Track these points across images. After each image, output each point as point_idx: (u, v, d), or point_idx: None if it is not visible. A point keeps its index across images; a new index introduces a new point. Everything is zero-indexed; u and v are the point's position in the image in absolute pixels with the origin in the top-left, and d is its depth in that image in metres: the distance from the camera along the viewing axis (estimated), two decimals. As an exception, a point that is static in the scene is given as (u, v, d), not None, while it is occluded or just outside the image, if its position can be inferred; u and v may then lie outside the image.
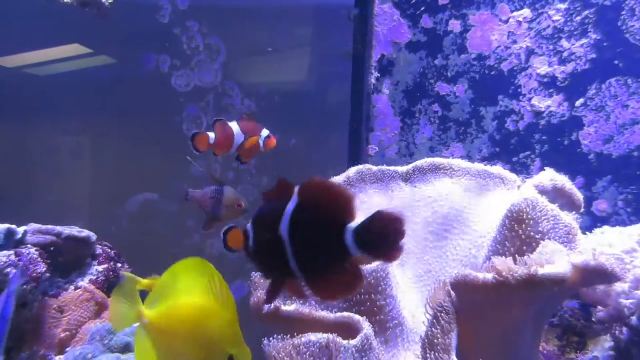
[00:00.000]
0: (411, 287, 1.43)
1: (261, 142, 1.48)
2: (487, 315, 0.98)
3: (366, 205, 1.55)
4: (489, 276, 0.89)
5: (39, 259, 1.44)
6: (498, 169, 1.53)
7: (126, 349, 1.31)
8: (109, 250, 1.72)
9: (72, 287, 1.56)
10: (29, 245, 1.48)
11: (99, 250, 1.69)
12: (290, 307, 1.10)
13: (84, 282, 1.58)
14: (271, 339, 1.00)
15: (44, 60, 2.42)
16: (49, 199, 2.39)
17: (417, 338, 1.29)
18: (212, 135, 1.49)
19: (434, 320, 0.97)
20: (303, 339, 1.03)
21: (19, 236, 1.46)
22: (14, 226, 1.46)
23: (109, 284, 1.62)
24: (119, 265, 1.71)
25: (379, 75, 1.74)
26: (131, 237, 2.34)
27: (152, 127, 2.37)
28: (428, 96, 1.74)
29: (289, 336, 1.02)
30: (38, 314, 1.45)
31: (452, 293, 0.99)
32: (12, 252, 1.40)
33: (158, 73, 2.45)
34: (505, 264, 0.93)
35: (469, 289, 0.93)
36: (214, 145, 1.49)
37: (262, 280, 1.17)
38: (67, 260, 1.59)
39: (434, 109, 1.74)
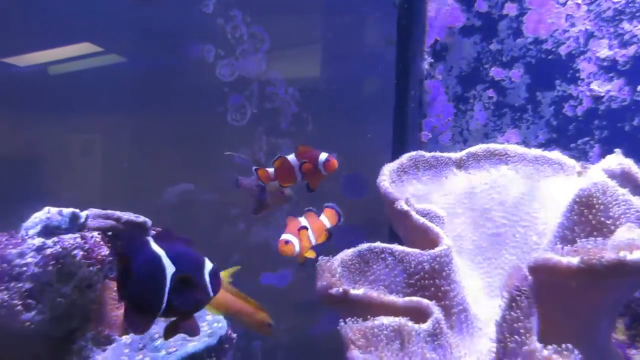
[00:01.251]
0: (469, 274, 1.41)
1: (321, 167, 1.42)
2: (567, 300, 0.96)
3: (420, 192, 1.54)
4: (574, 260, 0.87)
5: (102, 242, 1.47)
6: (556, 154, 1.49)
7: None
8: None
9: (131, 271, 1.59)
10: (90, 229, 1.51)
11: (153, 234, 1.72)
12: (358, 290, 1.10)
13: (142, 266, 1.60)
14: (347, 321, 1.00)
15: (86, 52, 2.46)
16: (86, 191, 2.43)
17: (480, 324, 1.28)
18: (271, 170, 1.45)
19: (512, 304, 0.95)
20: (376, 322, 1.02)
21: (82, 220, 1.49)
22: (77, 210, 1.49)
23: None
24: (173, 250, 1.74)
25: (432, 60, 1.72)
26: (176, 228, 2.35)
27: (196, 117, 2.39)
28: (482, 81, 1.71)
29: (361, 319, 1.02)
30: (101, 296, 1.48)
31: (530, 277, 0.97)
32: (78, 234, 1.43)
33: (202, 63, 2.47)
34: (589, 249, 0.91)
35: (551, 273, 0.91)
36: (276, 179, 1.48)
37: (328, 264, 1.17)
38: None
39: (489, 95, 1.71)
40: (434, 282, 1.22)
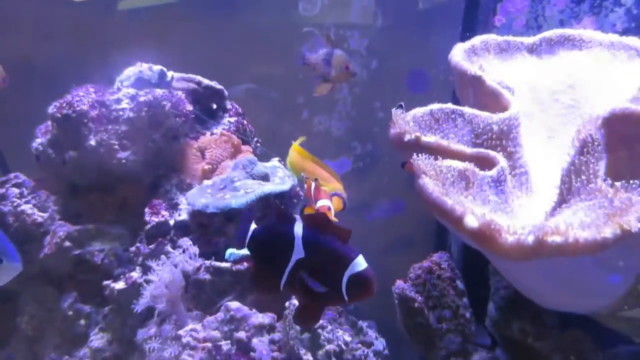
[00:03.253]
0: (533, 146, 1.46)
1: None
2: (637, 148, 1.01)
3: (490, 75, 1.57)
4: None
5: (186, 100, 1.59)
6: (634, 40, 1.48)
7: (264, 177, 1.46)
8: (237, 107, 1.86)
9: (209, 133, 1.72)
10: (175, 89, 1.64)
11: (229, 105, 1.84)
12: (430, 137, 1.18)
13: (218, 130, 1.74)
14: (419, 155, 1.09)
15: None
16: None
17: (538, 189, 1.34)
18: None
19: (583, 149, 1.01)
20: (445, 162, 1.10)
21: (168, 79, 1.61)
22: (165, 68, 1.61)
23: (238, 136, 1.76)
24: (245, 122, 1.86)
25: (512, -57, 1.68)
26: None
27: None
28: (563, -33, 1.67)
29: (432, 157, 1.10)
30: (184, 149, 1.62)
31: (602, 129, 1.02)
32: (166, 90, 1.55)
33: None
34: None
35: (626, 121, 0.96)
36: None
37: (402, 115, 1.25)
38: (203, 109, 1.75)
39: (569, -19, 1.67)
40: (500, 142, 1.28)
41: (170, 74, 1.63)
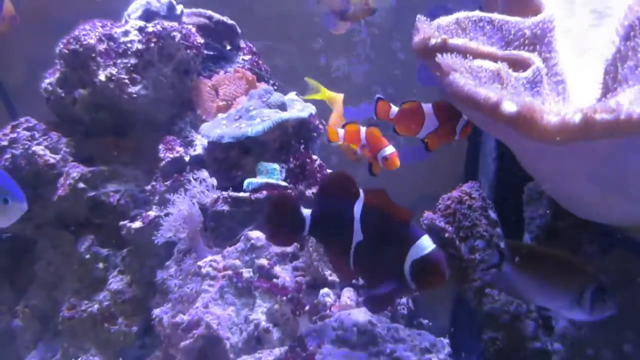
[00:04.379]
0: (570, 61, 1.36)
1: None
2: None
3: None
4: None
5: (196, 33, 1.52)
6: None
7: (281, 107, 1.39)
8: (251, 45, 1.78)
9: (222, 72, 1.65)
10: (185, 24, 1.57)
11: (242, 44, 1.76)
12: (458, 40, 1.09)
13: (232, 69, 1.66)
14: (446, 55, 1.00)
15: None
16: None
17: (575, 99, 1.25)
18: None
19: (629, 34, 0.91)
20: (476, 63, 1.02)
21: (178, 12, 1.54)
22: (174, 1, 1.53)
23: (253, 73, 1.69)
24: (261, 61, 1.78)
25: None
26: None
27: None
28: None
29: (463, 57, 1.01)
30: (197, 86, 1.56)
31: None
32: (175, 22, 1.48)
33: None
34: None
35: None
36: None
37: (426, 23, 1.16)
38: (215, 46, 1.68)
39: None
40: (534, 48, 1.18)
41: (180, 7, 1.55)
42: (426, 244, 0.80)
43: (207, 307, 1.10)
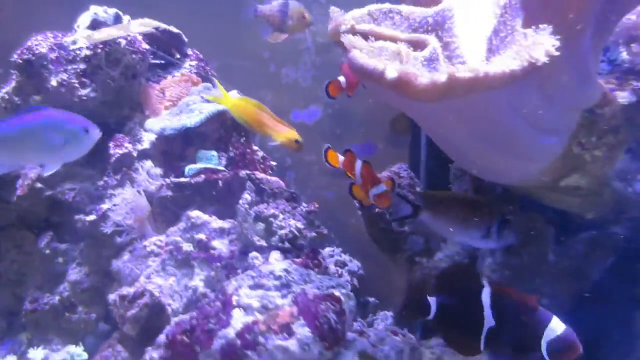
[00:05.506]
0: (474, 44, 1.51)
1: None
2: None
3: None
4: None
5: (142, 40, 1.65)
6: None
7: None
8: (198, 52, 1.92)
9: (170, 77, 1.78)
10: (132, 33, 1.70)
11: (189, 51, 1.89)
12: (365, 26, 1.22)
13: (179, 73, 1.79)
14: (349, 35, 1.13)
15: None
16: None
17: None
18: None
19: (504, 12, 1.06)
20: (378, 43, 1.15)
21: (124, 21, 1.67)
22: (120, 12, 1.67)
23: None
24: (208, 67, 1.92)
25: None
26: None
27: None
28: None
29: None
30: (145, 90, 1.68)
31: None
32: (122, 32, 1.61)
33: None
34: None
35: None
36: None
37: (339, 13, 1.30)
38: (163, 55, 1.81)
39: None
40: (437, 33, 1.33)
41: (126, 17, 1.69)
42: (558, 324, 0.90)
43: (149, 278, 1.20)
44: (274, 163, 1.75)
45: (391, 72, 0.99)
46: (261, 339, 0.85)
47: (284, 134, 1.40)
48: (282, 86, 2.39)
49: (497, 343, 0.93)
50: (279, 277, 0.96)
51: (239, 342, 0.85)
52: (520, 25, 1.05)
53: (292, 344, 0.84)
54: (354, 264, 1.65)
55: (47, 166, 1.20)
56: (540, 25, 0.97)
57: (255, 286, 0.95)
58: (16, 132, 1.12)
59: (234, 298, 0.92)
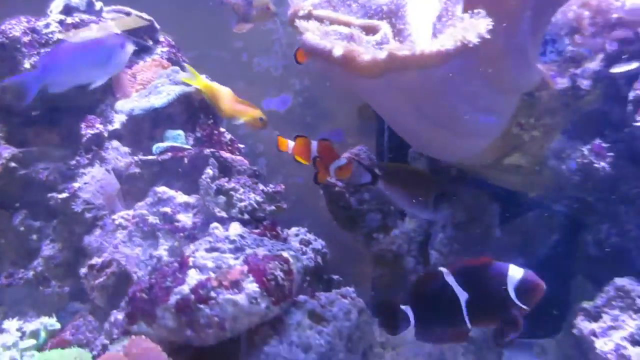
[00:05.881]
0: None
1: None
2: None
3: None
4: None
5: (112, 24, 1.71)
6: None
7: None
8: (170, 39, 1.98)
9: (141, 62, 1.84)
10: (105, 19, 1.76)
11: (161, 38, 1.96)
12: (322, 11, 1.31)
13: (150, 59, 1.86)
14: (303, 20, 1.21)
15: None
16: None
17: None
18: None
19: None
20: (332, 27, 1.23)
21: (97, 8, 1.73)
22: (93, -2, 1.73)
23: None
24: (179, 54, 1.98)
25: None
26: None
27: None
28: None
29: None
30: (117, 75, 1.74)
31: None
32: (93, 17, 1.68)
33: None
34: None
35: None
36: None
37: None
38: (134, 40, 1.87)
39: None
40: (390, 20, 1.41)
41: (99, 4, 1.75)
42: (516, 270, 0.96)
43: (117, 248, 1.27)
44: (242, 145, 1.83)
45: (338, 50, 1.08)
46: (213, 294, 0.92)
47: (248, 112, 1.49)
48: (254, 75, 2.47)
49: (478, 312, 0.98)
50: (233, 242, 1.04)
51: (192, 297, 0.93)
52: (461, 11, 1.14)
53: (241, 298, 0.92)
54: (318, 243, 1.72)
55: (96, 81, 1.43)
56: (475, 10, 1.07)
57: (211, 249, 1.02)
58: (70, 55, 1.39)
59: (190, 259, 0.99)
